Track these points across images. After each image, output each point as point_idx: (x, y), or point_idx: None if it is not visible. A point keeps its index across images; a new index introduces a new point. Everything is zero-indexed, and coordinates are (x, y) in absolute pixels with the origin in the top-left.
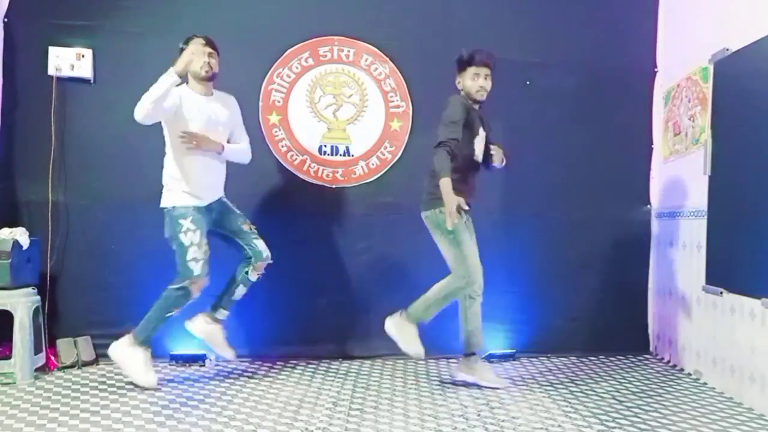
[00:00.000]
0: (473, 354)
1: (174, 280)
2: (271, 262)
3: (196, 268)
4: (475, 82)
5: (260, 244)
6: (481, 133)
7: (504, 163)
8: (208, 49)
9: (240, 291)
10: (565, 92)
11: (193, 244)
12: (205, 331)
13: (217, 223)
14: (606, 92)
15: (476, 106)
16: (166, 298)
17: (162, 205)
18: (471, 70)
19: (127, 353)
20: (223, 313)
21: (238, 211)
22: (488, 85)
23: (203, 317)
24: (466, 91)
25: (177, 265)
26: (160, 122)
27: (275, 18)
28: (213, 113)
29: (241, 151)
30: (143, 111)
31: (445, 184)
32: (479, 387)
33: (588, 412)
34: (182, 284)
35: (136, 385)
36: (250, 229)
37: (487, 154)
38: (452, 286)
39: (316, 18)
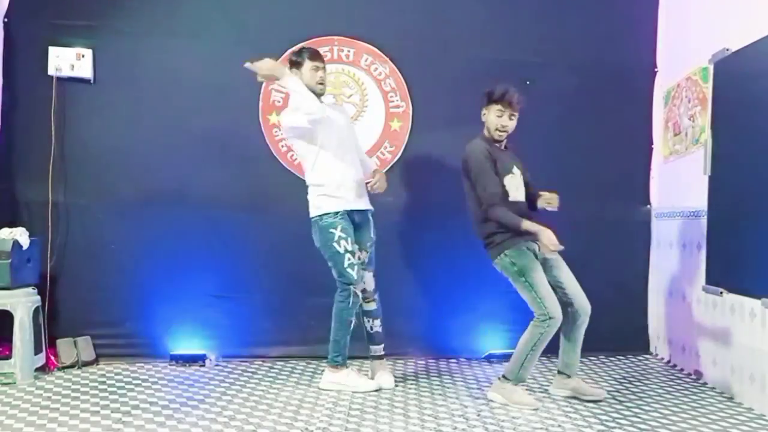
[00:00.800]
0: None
1: (338, 290)
2: (374, 296)
3: (354, 274)
4: (499, 119)
5: (366, 276)
6: (515, 171)
7: (556, 208)
8: (321, 64)
9: (368, 323)
10: (565, 92)
11: (347, 251)
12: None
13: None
14: (606, 92)
15: (498, 145)
16: (341, 311)
17: (311, 215)
18: (497, 107)
19: (337, 379)
20: (376, 349)
21: (372, 235)
22: (511, 125)
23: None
24: (487, 125)
25: (336, 273)
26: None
27: (275, 18)
28: (341, 120)
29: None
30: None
31: (527, 225)
32: (479, 387)
33: (588, 412)
34: (348, 291)
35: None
36: (367, 257)
37: (528, 195)
38: (535, 332)
39: (316, 18)
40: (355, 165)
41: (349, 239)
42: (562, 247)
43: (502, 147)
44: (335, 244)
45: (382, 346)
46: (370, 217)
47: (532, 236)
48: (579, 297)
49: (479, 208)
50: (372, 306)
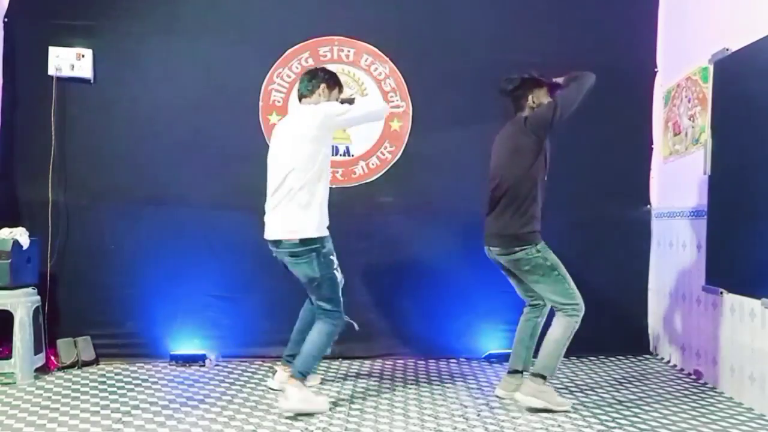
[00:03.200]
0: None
1: (331, 316)
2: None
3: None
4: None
5: None
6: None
7: None
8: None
9: None
10: None
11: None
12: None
13: None
14: (606, 92)
15: None
16: (328, 335)
17: (305, 236)
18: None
19: (298, 394)
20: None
21: None
22: None
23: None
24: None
25: (330, 301)
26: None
27: (275, 18)
28: None
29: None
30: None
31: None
32: (479, 387)
33: (588, 412)
34: (340, 321)
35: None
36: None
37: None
38: (571, 323)
39: (316, 18)
40: None
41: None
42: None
43: None
44: (335, 271)
45: None
46: None
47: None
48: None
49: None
50: None
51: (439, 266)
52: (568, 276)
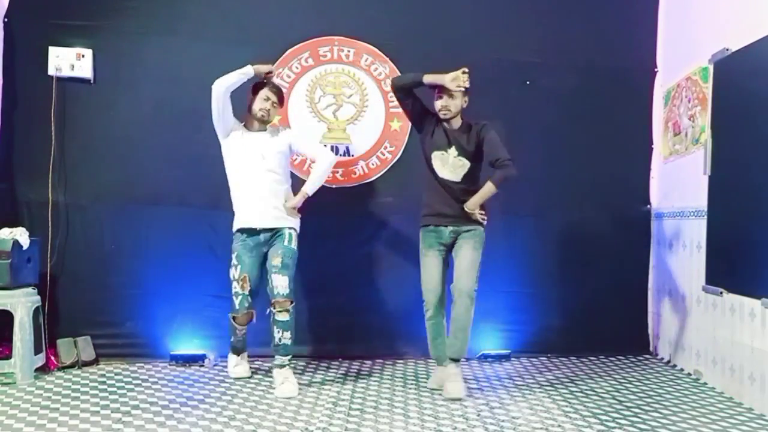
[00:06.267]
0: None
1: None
2: (290, 300)
3: (236, 303)
4: (438, 101)
5: (276, 280)
6: (450, 152)
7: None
8: (274, 98)
9: (276, 334)
10: (565, 92)
11: (234, 278)
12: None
13: (265, 254)
14: (606, 92)
15: (448, 124)
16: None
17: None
18: (435, 92)
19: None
20: (278, 359)
21: (286, 245)
22: (451, 104)
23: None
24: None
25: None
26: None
27: (275, 18)
28: (256, 144)
29: (321, 172)
30: (216, 88)
31: (428, 77)
32: (479, 387)
33: (588, 412)
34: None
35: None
36: (279, 263)
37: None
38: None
39: (316, 18)
40: (263, 184)
41: (240, 267)
42: (466, 85)
43: (456, 126)
44: (231, 269)
45: (288, 357)
46: (286, 233)
47: (438, 93)
48: (457, 279)
49: None
50: (283, 317)
51: None
52: (422, 268)
